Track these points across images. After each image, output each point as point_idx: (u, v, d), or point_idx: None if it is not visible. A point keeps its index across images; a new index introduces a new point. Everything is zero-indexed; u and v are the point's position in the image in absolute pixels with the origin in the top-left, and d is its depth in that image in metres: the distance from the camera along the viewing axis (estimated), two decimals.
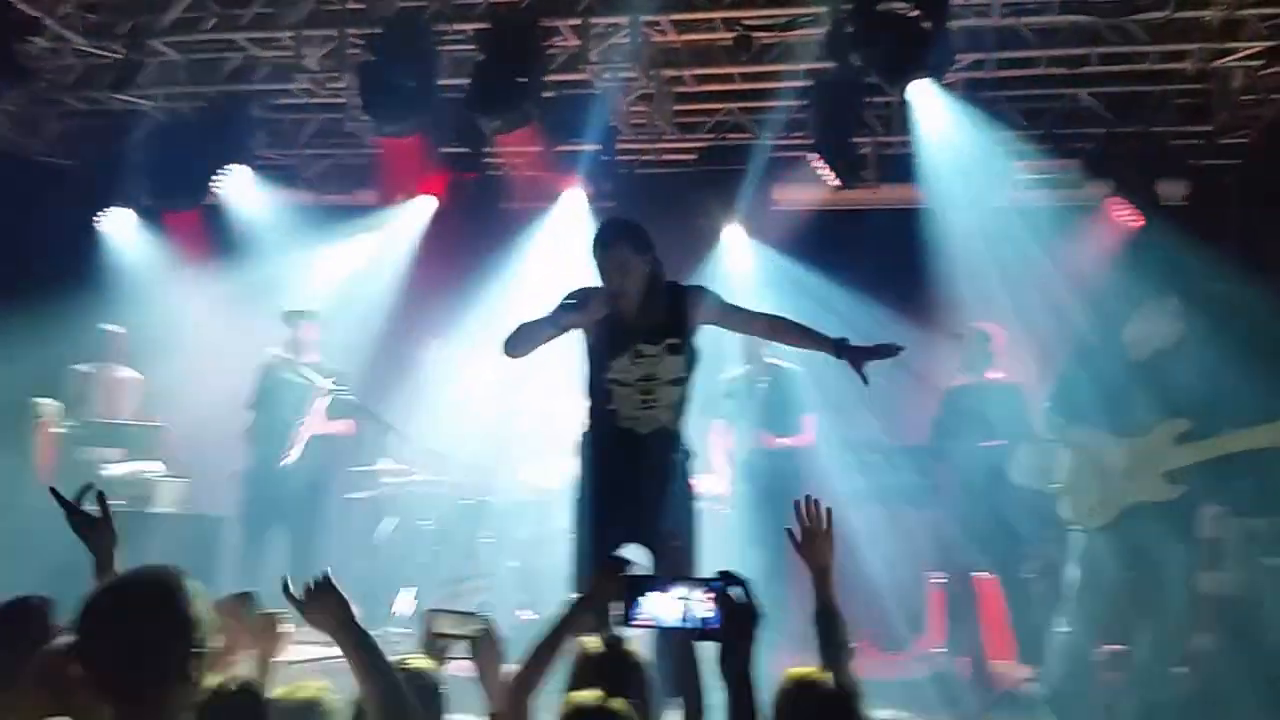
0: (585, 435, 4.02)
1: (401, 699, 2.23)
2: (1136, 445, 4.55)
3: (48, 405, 6.77)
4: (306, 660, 3.07)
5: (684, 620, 2.27)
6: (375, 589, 6.07)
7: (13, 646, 2.52)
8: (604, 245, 3.81)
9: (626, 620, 2.35)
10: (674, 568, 3.59)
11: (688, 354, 3.87)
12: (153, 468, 6.77)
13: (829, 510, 2.77)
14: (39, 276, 7.21)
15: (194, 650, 1.98)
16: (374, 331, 7.38)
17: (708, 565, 6.28)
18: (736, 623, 2.22)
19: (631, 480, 3.85)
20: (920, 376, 6.35)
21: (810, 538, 2.74)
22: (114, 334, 7.18)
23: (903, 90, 6.07)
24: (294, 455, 6.51)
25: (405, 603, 6.20)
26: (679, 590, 2.30)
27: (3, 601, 2.65)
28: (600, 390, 3.89)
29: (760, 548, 5.59)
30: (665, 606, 2.31)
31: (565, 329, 3.77)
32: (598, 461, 3.98)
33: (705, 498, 6.37)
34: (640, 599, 2.32)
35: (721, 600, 2.23)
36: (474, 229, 7.29)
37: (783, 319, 4.12)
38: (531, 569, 6.25)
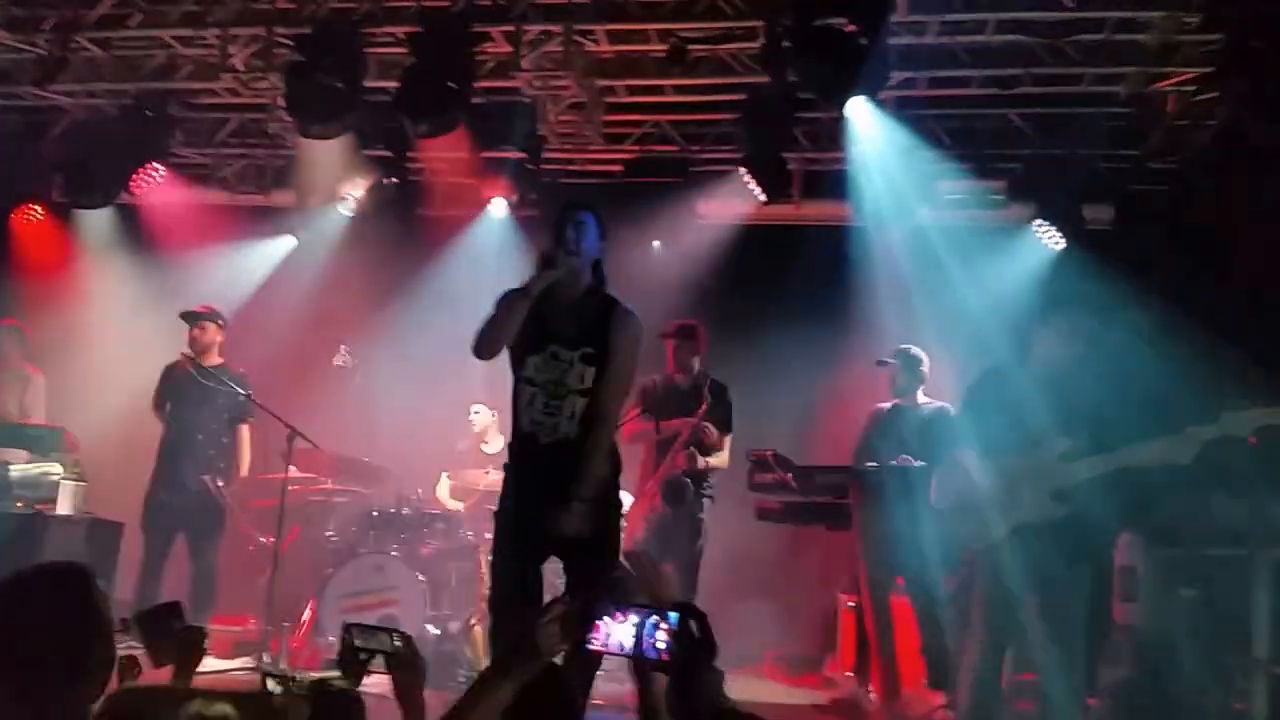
0: (509, 442, 3.97)
1: None
2: (1026, 463, 4.48)
3: None
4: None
5: (640, 649, 2.16)
6: (277, 600, 5.88)
7: None
8: (574, 205, 3.91)
9: (582, 642, 2.24)
10: (585, 582, 3.51)
11: (599, 367, 3.77)
12: (54, 469, 6.54)
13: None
14: None
15: (101, 645, 1.97)
16: (284, 335, 7.21)
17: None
18: (690, 656, 2.10)
19: (535, 493, 3.77)
20: (839, 396, 6.29)
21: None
22: (13, 330, 6.96)
23: (839, 106, 6.02)
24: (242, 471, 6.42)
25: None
26: (635, 618, 2.19)
27: None
28: (516, 389, 3.86)
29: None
30: (622, 632, 2.20)
31: (517, 310, 3.73)
32: (509, 472, 3.94)
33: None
34: (598, 622, 2.21)
35: (678, 633, 2.11)
36: (393, 234, 7.15)
37: (593, 412, 3.81)
38: (439, 583, 6.10)
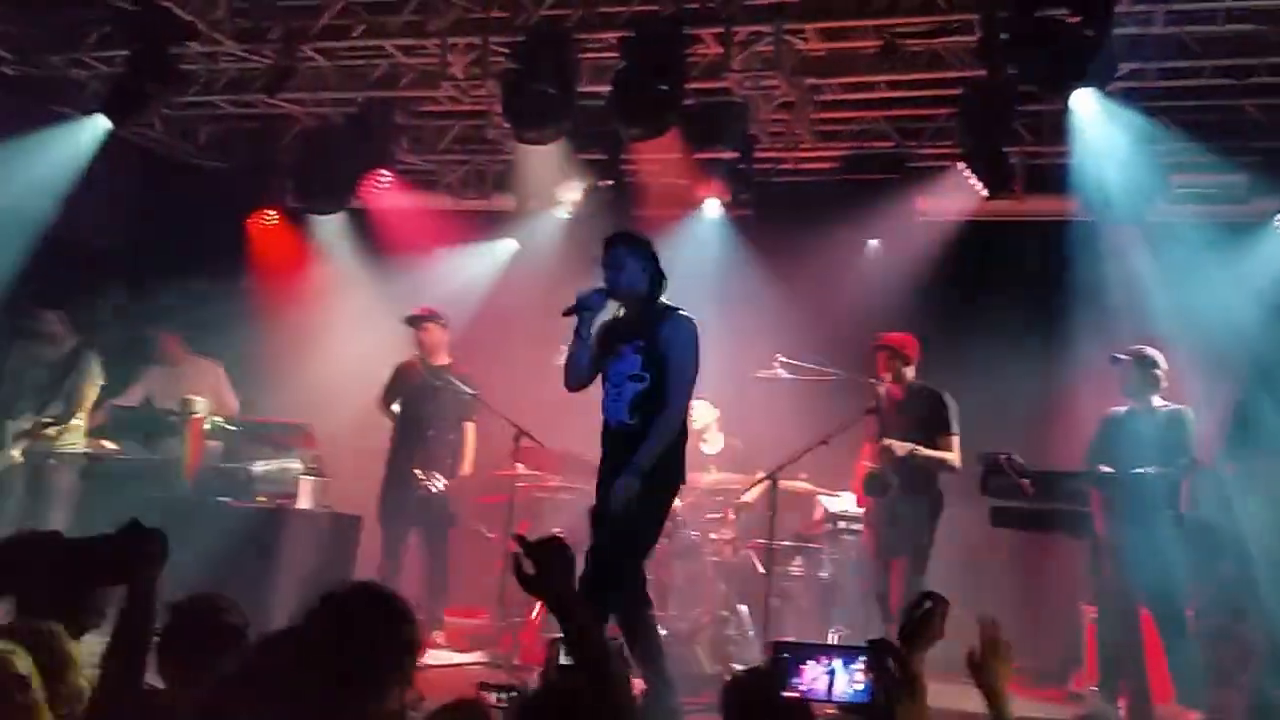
0: None
1: (613, 668, 2.21)
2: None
3: (200, 402, 6.96)
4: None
5: (834, 692, 2.16)
6: (507, 595, 6.07)
7: (198, 642, 2.57)
8: (606, 244, 4.47)
9: (781, 688, 2.25)
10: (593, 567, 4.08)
11: (648, 357, 4.28)
12: (295, 465, 6.88)
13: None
14: (191, 276, 7.41)
15: (408, 664, 2.03)
16: (506, 335, 7.41)
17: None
18: (891, 697, 2.09)
19: (605, 477, 4.32)
20: (1069, 400, 6.09)
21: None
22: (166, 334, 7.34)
23: (1064, 99, 5.83)
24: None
25: None
26: (828, 660, 2.18)
27: (182, 597, 2.63)
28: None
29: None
30: (817, 677, 2.20)
31: (576, 350, 4.42)
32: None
33: (845, 517, 6.39)
34: (795, 666, 2.22)
35: (874, 671, 2.10)
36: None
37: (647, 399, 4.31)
38: (664, 583, 6.18)
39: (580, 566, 2.88)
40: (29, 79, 7.31)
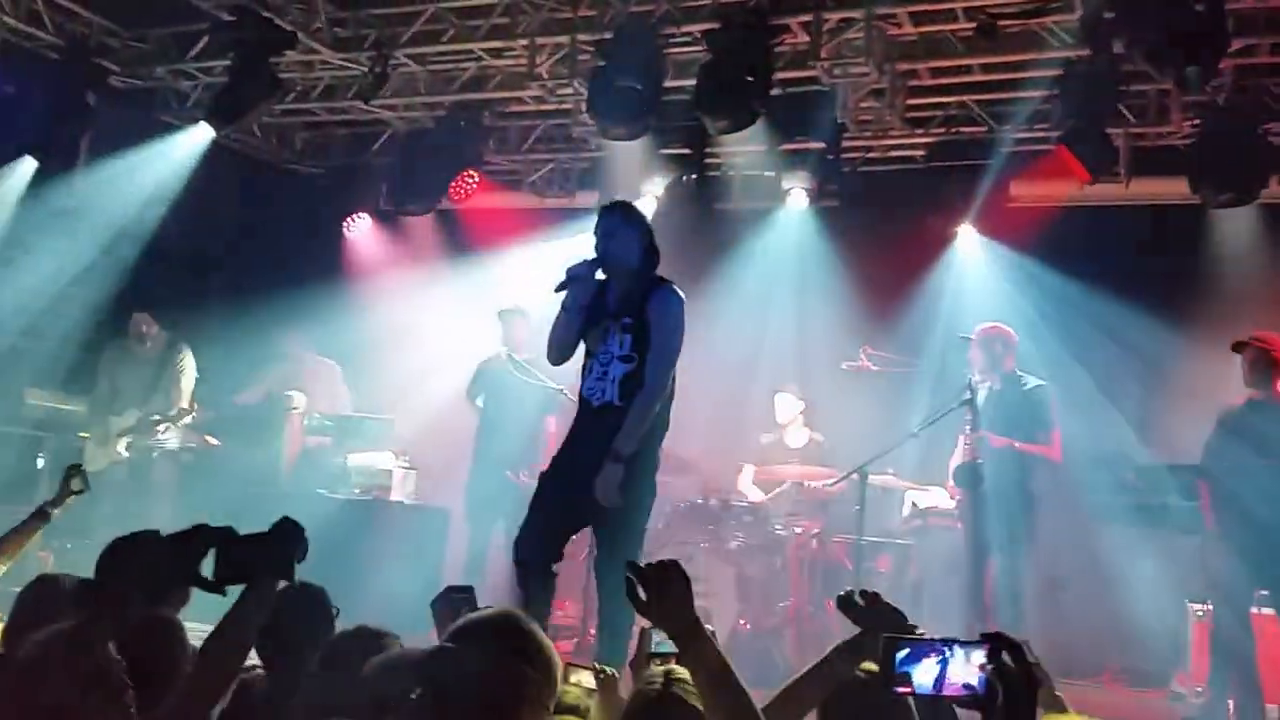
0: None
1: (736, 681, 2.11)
2: None
3: (298, 397, 7.13)
4: None
5: (944, 686, 2.00)
6: (591, 589, 6.02)
7: (305, 629, 2.64)
8: (600, 212, 4.34)
9: (886, 684, 2.11)
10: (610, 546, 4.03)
11: (636, 335, 4.08)
12: (386, 458, 7.02)
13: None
14: (290, 278, 7.62)
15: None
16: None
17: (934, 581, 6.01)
18: (1011, 694, 1.94)
19: (582, 453, 4.10)
20: (1186, 391, 5.78)
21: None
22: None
23: (1176, 79, 5.54)
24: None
25: None
26: (940, 650, 2.03)
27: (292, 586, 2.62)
28: (583, 364, 4.27)
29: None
30: (925, 669, 2.05)
31: (563, 323, 4.20)
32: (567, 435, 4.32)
33: (935, 513, 6.19)
34: (902, 658, 2.06)
35: (992, 666, 1.95)
36: (694, 230, 7.20)
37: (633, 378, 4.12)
38: (748, 577, 6.08)
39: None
40: (136, 90, 7.63)
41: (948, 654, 2.01)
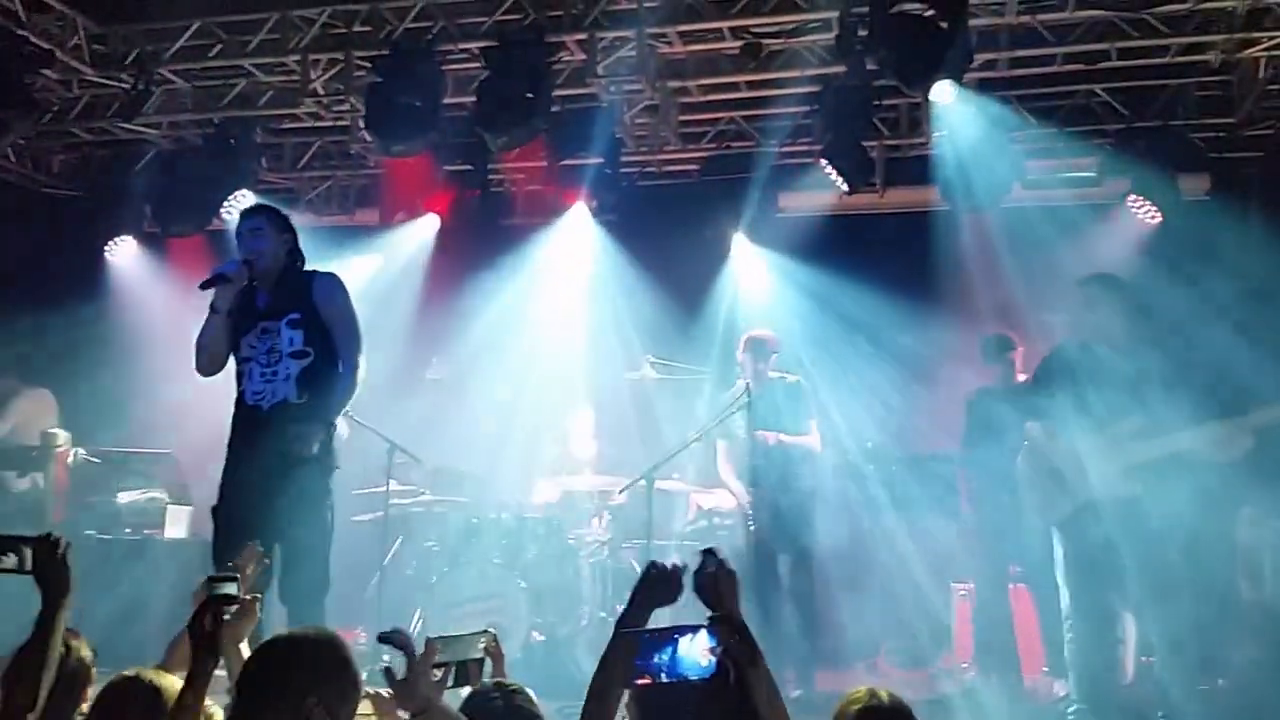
0: (232, 418, 4.20)
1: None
2: (1096, 440, 4.37)
3: (62, 434, 6.70)
4: None
5: (680, 671, 2.08)
6: (383, 612, 5.91)
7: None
8: (242, 215, 4.34)
9: (629, 681, 2.18)
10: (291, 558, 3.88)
11: (309, 330, 4.06)
12: (160, 495, 6.70)
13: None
14: (48, 304, 7.14)
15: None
16: (376, 351, 7.24)
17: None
18: (740, 669, 2.04)
19: (261, 458, 3.96)
20: (937, 383, 6.17)
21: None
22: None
23: (923, 92, 5.93)
24: None
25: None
26: (670, 641, 2.11)
27: None
28: (236, 371, 4.18)
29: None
30: (660, 658, 2.12)
31: (214, 326, 4.12)
32: (233, 445, 4.16)
33: (718, 514, 6.36)
34: (640, 652, 2.12)
35: (721, 648, 2.05)
36: (477, 246, 7.19)
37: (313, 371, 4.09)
38: (541, 588, 6.08)
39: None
40: None
41: (678, 640, 2.09)
